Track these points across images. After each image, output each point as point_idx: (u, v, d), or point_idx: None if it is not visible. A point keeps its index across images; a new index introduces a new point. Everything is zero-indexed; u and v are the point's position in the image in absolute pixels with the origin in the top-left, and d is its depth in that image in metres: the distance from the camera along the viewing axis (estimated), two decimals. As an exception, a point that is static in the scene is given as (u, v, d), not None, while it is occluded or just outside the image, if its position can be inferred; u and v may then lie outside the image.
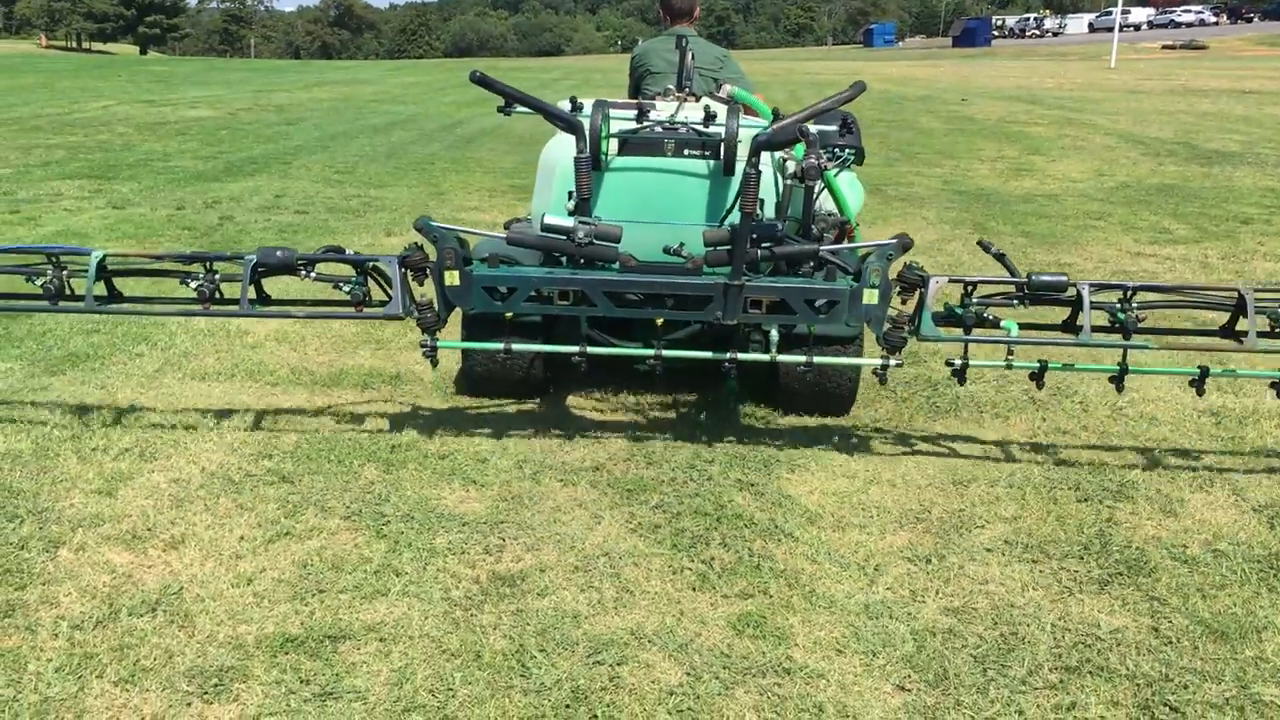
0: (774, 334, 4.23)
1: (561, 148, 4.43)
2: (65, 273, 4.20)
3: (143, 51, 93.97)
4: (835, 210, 4.74)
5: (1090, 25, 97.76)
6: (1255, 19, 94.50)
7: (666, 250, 4.12)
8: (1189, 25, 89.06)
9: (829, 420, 4.67)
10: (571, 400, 4.86)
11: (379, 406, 4.76)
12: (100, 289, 4.18)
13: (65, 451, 4.11)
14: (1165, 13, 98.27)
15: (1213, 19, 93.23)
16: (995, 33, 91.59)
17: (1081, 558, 3.44)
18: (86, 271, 4.12)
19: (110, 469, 3.96)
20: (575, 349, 4.21)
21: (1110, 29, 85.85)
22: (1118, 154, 14.03)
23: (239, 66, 45.01)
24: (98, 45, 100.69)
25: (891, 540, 3.59)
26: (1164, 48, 63.80)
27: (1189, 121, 18.28)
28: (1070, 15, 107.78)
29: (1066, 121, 18.07)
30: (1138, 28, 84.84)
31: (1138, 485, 4.02)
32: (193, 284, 4.17)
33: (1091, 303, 4.02)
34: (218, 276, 4.19)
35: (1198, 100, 23.12)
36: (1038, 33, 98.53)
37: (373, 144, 14.32)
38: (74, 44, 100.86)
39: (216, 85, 27.65)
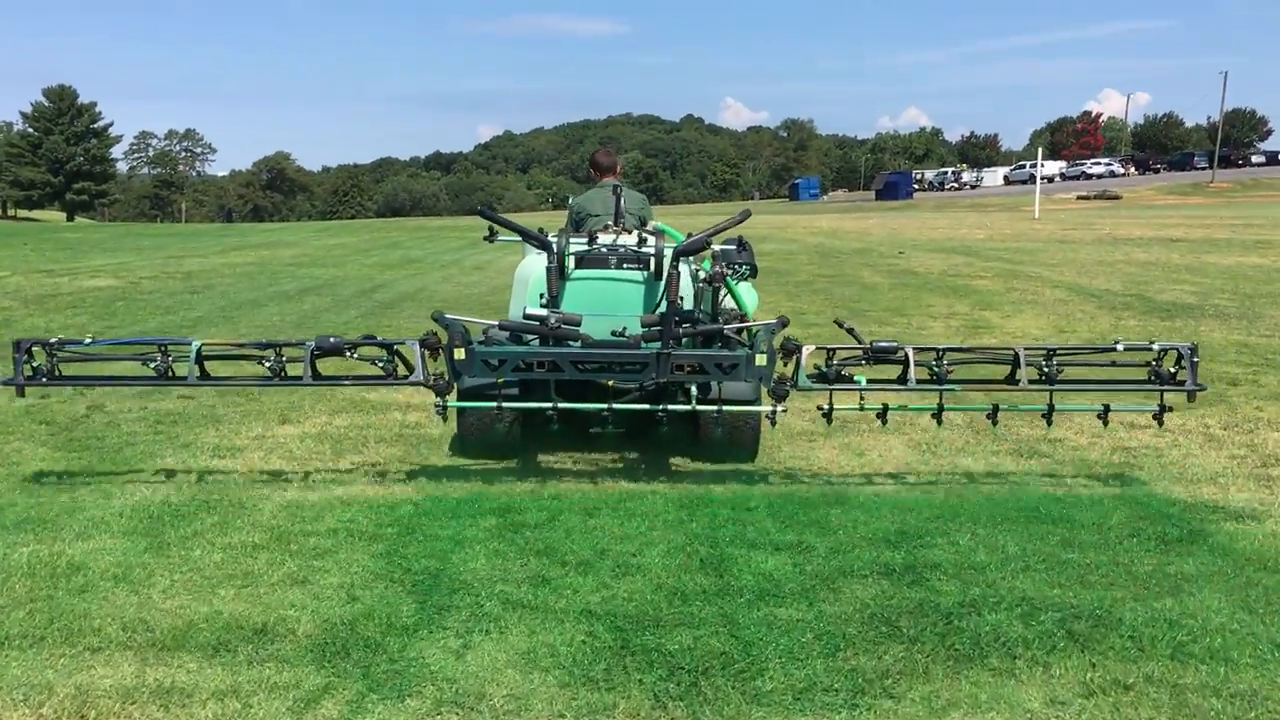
0: (694, 391, 5.89)
1: (532, 265, 6.21)
2: (170, 359, 5.64)
3: (70, 218, 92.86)
4: (734, 307, 6.43)
5: (1005, 178, 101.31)
6: (1161, 170, 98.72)
7: (613, 333, 5.78)
8: (1099, 177, 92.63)
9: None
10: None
11: (230, 679, 3.57)
12: (196, 370, 5.61)
13: None
14: (1076, 165, 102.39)
15: (1121, 170, 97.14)
16: (916, 186, 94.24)
17: None
18: (188, 357, 5.59)
19: None
20: (549, 404, 5.73)
21: (1024, 181, 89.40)
22: (1072, 308, 13.44)
23: (157, 232, 44.05)
24: (24, 213, 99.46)
25: None
26: (1079, 198, 65.75)
27: (1132, 272, 17.95)
28: (985, 169, 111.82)
29: (1010, 274, 17.63)
30: (1051, 179, 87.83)
31: None
32: (265, 365, 5.64)
33: (915, 361, 5.72)
34: (284, 359, 5.63)
35: (1131, 249, 23.05)
36: (956, 185, 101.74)
37: (282, 312, 13.22)
38: (0, 211, 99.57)
39: (127, 252, 26.53)
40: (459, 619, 4.08)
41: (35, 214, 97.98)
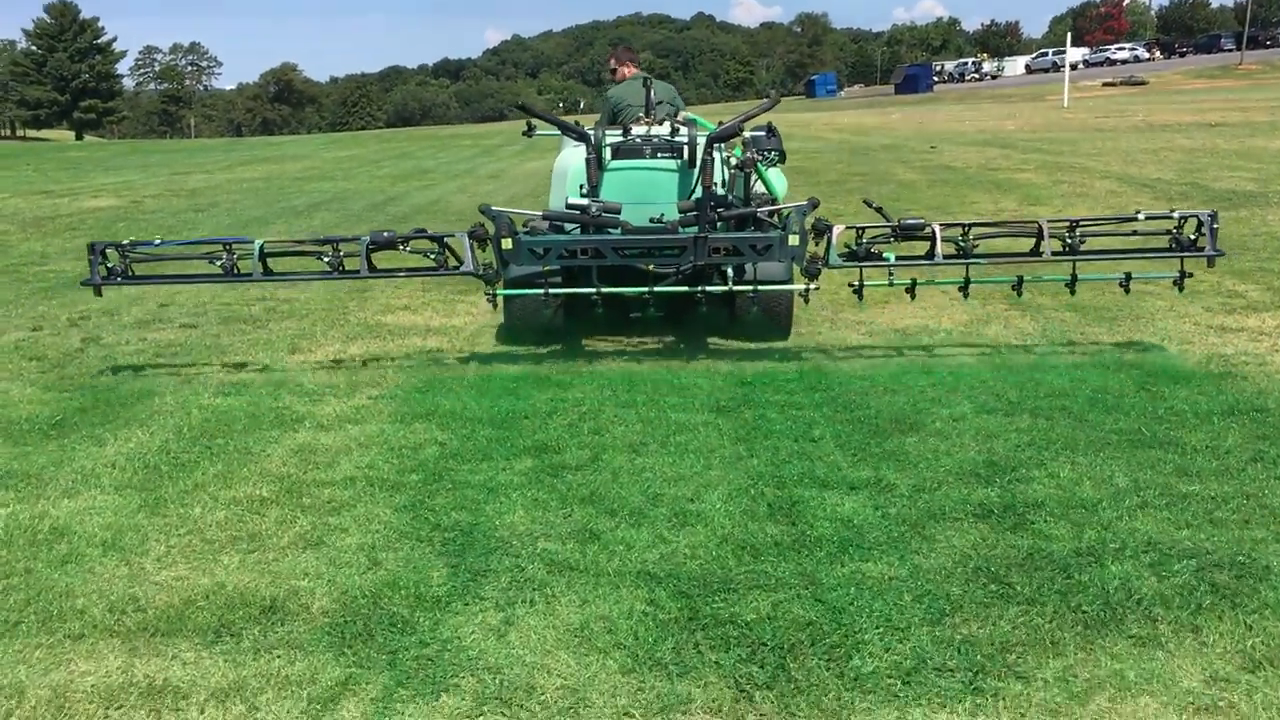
0: (730, 273, 6.12)
1: (570, 157, 6.55)
2: (235, 257, 5.96)
3: (78, 136, 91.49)
4: (765, 191, 6.68)
5: (1027, 67, 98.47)
6: (1187, 53, 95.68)
7: (651, 219, 5.95)
8: (1124, 63, 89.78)
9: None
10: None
11: (233, 673, 3.02)
12: (260, 267, 5.93)
13: None
14: (1100, 51, 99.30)
15: (1146, 55, 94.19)
16: (935, 78, 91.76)
17: None
18: (252, 255, 5.91)
19: None
20: (592, 290, 5.95)
21: (1046, 69, 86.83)
22: (1126, 200, 12.63)
23: (163, 148, 43.05)
24: (32, 132, 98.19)
25: None
26: (1105, 85, 63.74)
27: (1181, 159, 17.02)
28: (1006, 58, 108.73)
29: (1054, 166, 16.73)
30: (1075, 66, 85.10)
31: None
32: (325, 260, 5.93)
33: (942, 237, 5.83)
34: (342, 254, 5.95)
35: (1172, 136, 22.01)
36: (977, 77, 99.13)
37: (290, 230, 12.51)
38: (8, 132, 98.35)
39: (131, 170, 25.76)
40: (498, 587, 3.52)
41: (44, 133, 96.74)
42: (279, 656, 3.12)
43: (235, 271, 5.99)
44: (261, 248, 5.92)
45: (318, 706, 2.88)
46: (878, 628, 3.21)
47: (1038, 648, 3.09)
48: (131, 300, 8.40)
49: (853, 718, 2.80)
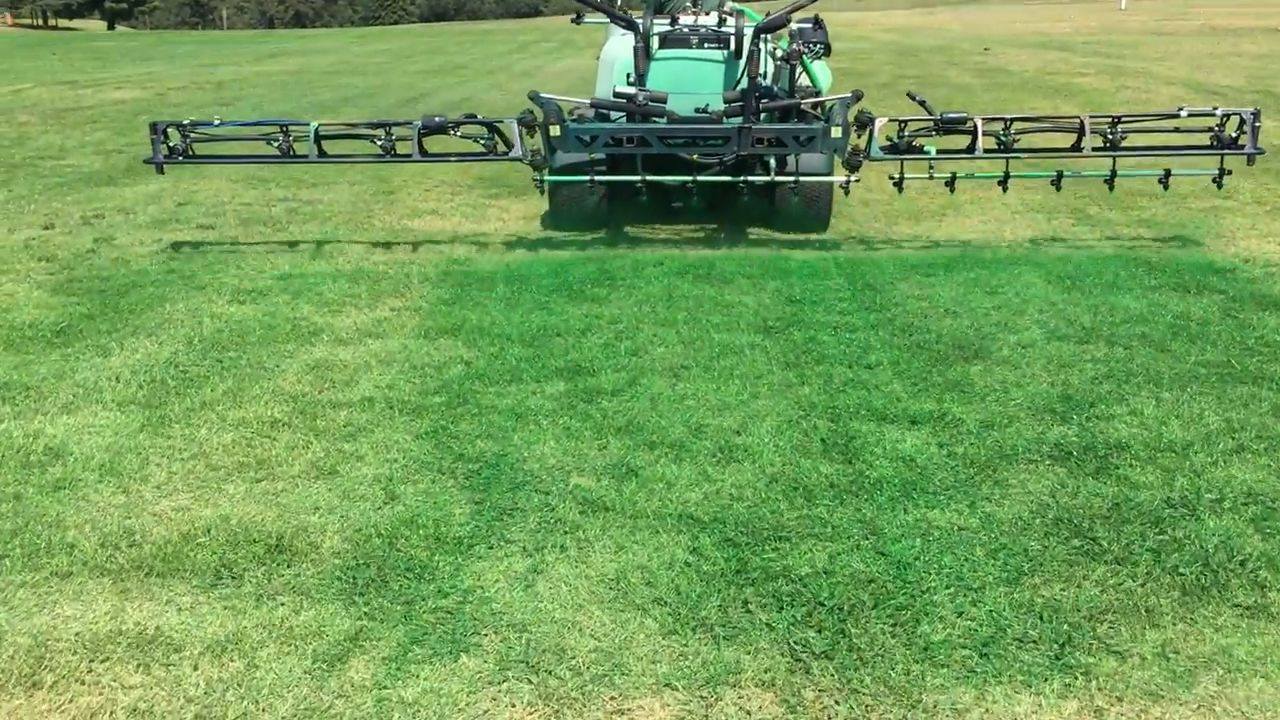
0: (772, 164, 6.24)
1: (617, 46, 6.59)
2: (290, 138, 6.12)
3: (110, 26, 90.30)
4: (809, 84, 6.57)
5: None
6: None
7: (697, 109, 6.01)
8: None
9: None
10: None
11: (232, 623, 2.73)
12: (315, 149, 6.10)
13: None
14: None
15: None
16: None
17: None
18: (307, 137, 6.07)
19: None
20: (637, 177, 6.06)
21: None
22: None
23: (191, 39, 42.19)
24: (64, 22, 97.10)
25: None
26: (1164, -14, 61.17)
27: (1250, 66, 16.17)
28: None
29: (1115, 71, 15.92)
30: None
31: None
32: (377, 143, 6.09)
33: (984, 131, 5.84)
34: (394, 137, 6.08)
35: (1238, 41, 20.98)
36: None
37: (318, 126, 12.02)
38: (40, 21, 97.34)
39: (158, 61, 25.16)
40: (526, 528, 3.20)
41: (75, 23, 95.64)
42: (283, 604, 2.83)
43: (291, 153, 6.14)
44: (317, 130, 6.09)
45: (323, 666, 2.59)
46: (948, 588, 2.87)
47: (1131, 616, 2.74)
48: (149, 199, 8.04)
49: (924, 697, 2.47)
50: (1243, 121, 5.90)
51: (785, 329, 4.92)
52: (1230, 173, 6.11)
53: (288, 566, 3.01)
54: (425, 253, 6.44)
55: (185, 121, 6.30)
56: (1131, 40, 22.26)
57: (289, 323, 5.11)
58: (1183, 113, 5.95)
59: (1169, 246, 6.28)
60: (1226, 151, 5.95)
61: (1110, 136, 5.90)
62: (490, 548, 3.09)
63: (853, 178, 6.10)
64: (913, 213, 7.25)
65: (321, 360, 4.60)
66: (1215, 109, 6.04)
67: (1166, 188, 6.17)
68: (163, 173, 6.59)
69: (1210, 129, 6.01)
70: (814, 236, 6.60)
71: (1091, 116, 5.99)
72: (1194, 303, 5.19)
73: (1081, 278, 5.63)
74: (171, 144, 6.24)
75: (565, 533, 3.16)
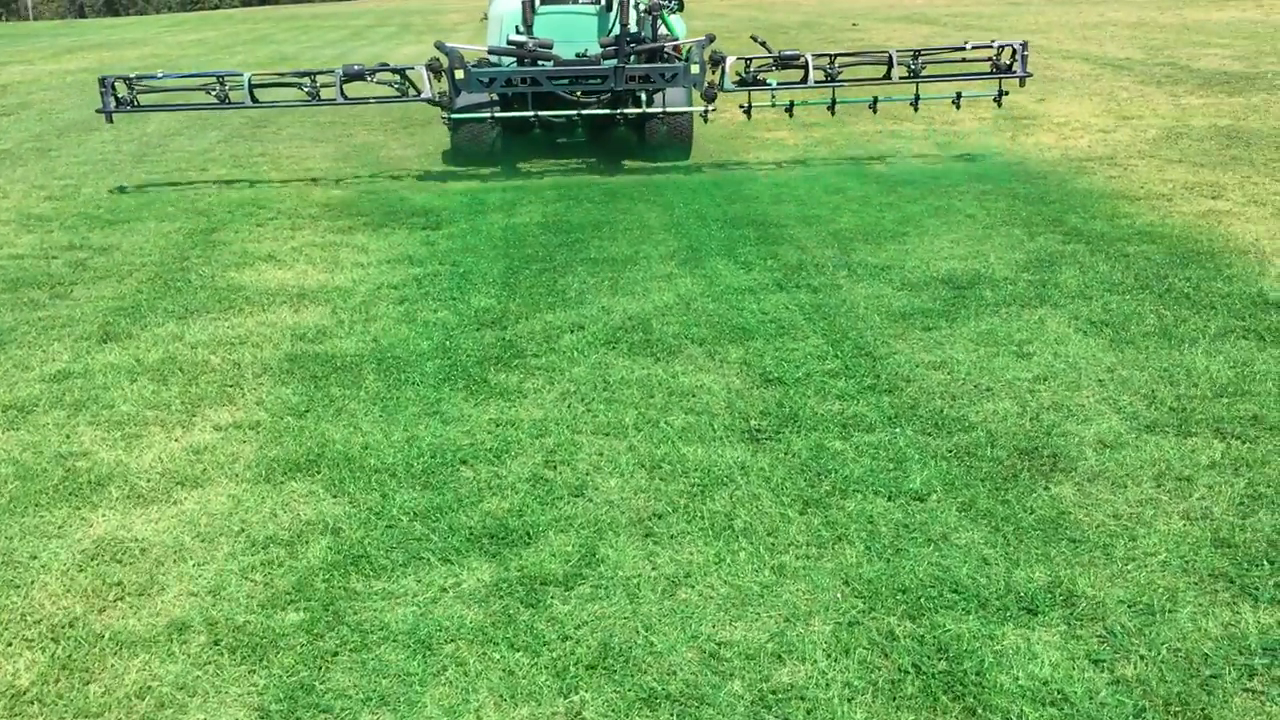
0: (643, 99, 7.68)
1: (505, 3, 7.90)
2: (226, 88, 7.38)
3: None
4: (668, 33, 8.04)
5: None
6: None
7: (577, 54, 7.51)
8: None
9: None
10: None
11: None
12: (249, 97, 7.28)
13: None
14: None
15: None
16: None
17: None
18: (242, 86, 7.27)
19: None
20: (530, 114, 7.51)
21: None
22: (1108, 84, 11.09)
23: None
24: None
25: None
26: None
27: (1133, 36, 15.59)
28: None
29: (1003, 44, 15.08)
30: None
31: None
32: (304, 89, 7.35)
33: (814, 65, 7.31)
34: (319, 84, 7.34)
35: (1103, 9, 20.56)
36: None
37: (118, 139, 9.98)
38: None
39: (-61, 60, 22.13)
40: None
41: None
42: None
43: (227, 100, 7.33)
44: (250, 79, 7.26)
45: None
46: None
47: None
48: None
49: None
50: (1015, 51, 7.39)
51: (777, 432, 3.56)
52: (1008, 93, 7.68)
53: None
54: (261, 324, 4.82)
55: (131, 75, 7.49)
56: (998, 11, 21.67)
57: (60, 465, 3.48)
58: (968, 45, 7.38)
59: (1190, 267, 5.14)
60: (1003, 75, 7.43)
61: (913, 67, 7.34)
62: None
63: (709, 108, 7.56)
64: (863, 231, 5.98)
65: (105, 542, 3.01)
66: (993, 41, 7.49)
67: (958, 107, 8.02)
68: (111, 122, 7.83)
69: (989, 59, 7.45)
70: (762, 262, 5.25)
71: (898, 50, 7.46)
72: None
73: (1121, 325, 4.42)
74: (120, 96, 7.31)
75: None
